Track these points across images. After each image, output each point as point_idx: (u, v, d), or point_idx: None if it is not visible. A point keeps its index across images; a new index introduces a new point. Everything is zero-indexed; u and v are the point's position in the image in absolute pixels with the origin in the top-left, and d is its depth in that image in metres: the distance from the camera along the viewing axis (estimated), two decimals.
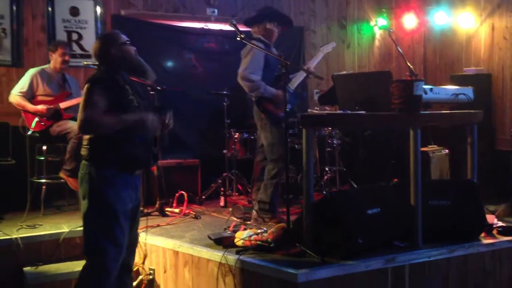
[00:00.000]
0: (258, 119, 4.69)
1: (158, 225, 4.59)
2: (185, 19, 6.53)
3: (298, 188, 5.26)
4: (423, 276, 3.58)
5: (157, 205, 5.07)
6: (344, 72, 5.90)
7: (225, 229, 4.21)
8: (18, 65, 5.64)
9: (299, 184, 5.34)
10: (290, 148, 4.21)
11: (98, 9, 6.03)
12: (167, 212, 5.05)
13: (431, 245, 3.66)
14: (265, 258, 3.46)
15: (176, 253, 4.01)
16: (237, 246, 3.68)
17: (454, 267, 3.70)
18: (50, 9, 5.83)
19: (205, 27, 6.52)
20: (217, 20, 6.57)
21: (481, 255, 3.81)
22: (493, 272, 3.87)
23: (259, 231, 3.77)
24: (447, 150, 5.50)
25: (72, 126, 4.83)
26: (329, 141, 5.95)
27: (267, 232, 3.69)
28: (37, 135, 5.05)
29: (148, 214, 4.90)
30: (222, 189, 5.59)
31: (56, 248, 4.29)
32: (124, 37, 3.24)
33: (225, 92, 5.74)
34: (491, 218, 4.14)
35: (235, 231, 3.96)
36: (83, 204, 3.10)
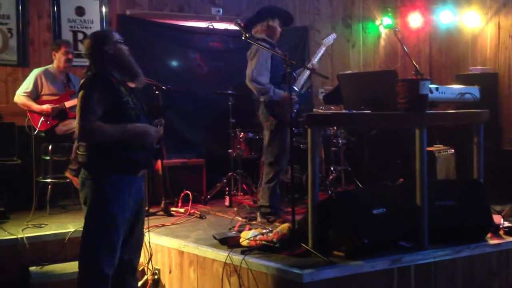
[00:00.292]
0: (265, 120, 4.68)
1: (163, 225, 4.60)
2: (190, 18, 6.53)
3: (303, 187, 5.24)
4: (428, 277, 3.56)
5: (162, 205, 5.07)
6: (349, 72, 5.89)
7: (230, 229, 4.21)
8: (24, 65, 5.66)
9: (304, 183, 5.32)
10: (295, 148, 4.19)
11: (104, 9, 6.03)
12: (172, 212, 5.05)
13: (437, 245, 3.63)
14: (270, 258, 3.45)
15: (181, 253, 4.01)
16: (242, 246, 3.67)
17: (460, 268, 3.67)
18: (55, 9, 5.84)
19: (210, 26, 6.54)
20: (222, 20, 6.58)
21: (487, 255, 3.78)
22: (499, 273, 3.84)
23: (264, 231, 3.76)
24: (453, 150, 5.47)
25: None
26: (335, 140, 5.94)
27: (272, 232, 3.69)
28: (43, 134, 5.06)
29: (153, 214, 4.91)
30: (227, 188, 5.58)
31: (61, 248, 4.29)
32: (117, 36, 3.14)
33: (230, 92, 5.72)
34: (497, 218, 4.09)
35: (240, 231, 3.95)
36: (84, 208, 3.07)
